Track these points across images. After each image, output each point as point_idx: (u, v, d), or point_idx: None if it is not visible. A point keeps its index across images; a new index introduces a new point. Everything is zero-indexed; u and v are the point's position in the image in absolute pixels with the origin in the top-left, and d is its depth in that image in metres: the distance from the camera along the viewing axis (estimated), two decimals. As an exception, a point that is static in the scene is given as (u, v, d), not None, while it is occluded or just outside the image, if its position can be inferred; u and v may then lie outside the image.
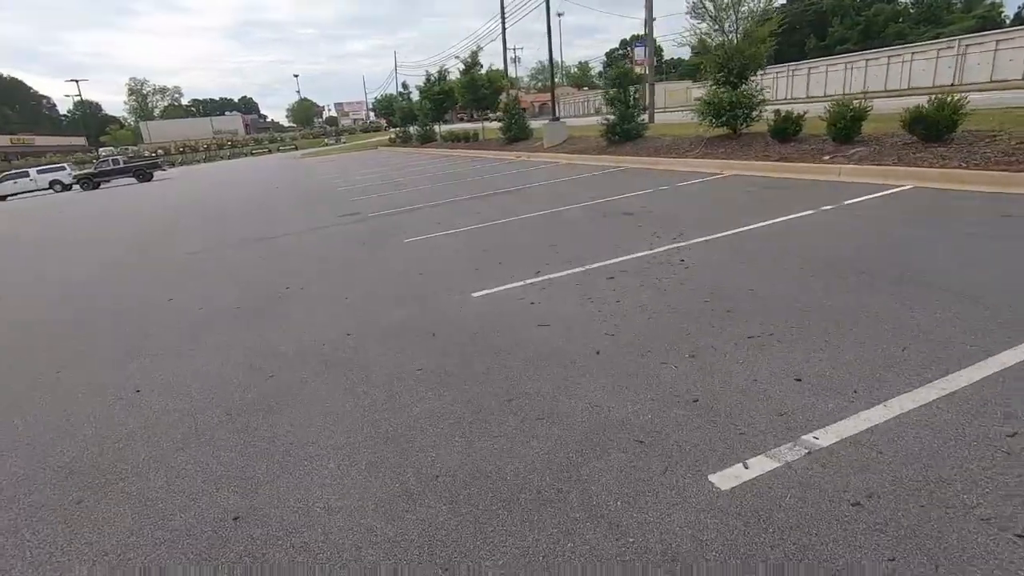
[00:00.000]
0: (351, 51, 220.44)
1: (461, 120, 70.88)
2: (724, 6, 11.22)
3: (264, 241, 9.16)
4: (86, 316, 5.93)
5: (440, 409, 3.07)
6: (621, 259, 5.48)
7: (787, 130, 10.10)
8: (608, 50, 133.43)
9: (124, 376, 4.07)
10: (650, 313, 4.05)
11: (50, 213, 21.72)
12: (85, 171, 35.35)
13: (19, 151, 76.41)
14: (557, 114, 18.53)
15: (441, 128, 35.04)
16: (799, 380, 2.91)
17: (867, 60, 39.29)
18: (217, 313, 5.38)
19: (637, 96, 14.99)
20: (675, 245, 5.73)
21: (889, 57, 37.46)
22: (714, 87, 11.79)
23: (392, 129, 47.05)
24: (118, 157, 37.81)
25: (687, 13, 11.77)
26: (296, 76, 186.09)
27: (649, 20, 19.49)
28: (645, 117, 15.32)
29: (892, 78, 36.15)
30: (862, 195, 6.90)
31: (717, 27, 11.43)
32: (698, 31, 11.67)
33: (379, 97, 47.34)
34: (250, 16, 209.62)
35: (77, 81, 64.80)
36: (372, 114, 75.68)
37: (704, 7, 11.41)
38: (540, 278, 5.19)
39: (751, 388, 2.89)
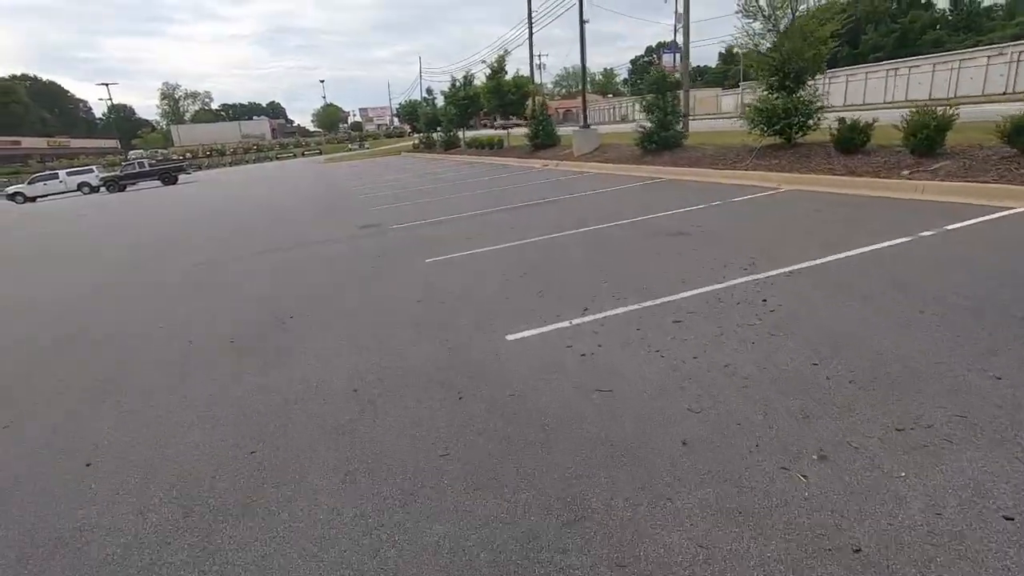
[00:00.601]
0: (376, 57, 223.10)
1: (485, 126, 70.61)
2: (780, 4, 10.20)
3: (275, 253, 8.43)
4: (55, 350, 5.20)
5: (469, 539, 2.17)
6: (686, 294, 4.53)
7: (854, 140, 9.02)
8: (633, 57, 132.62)
9: (74, 439, 3.27)
10: (742, 378, 3.10)
11: (67, 216, 21.55)
12: (111, 173, 35.55)
13: (55, 153, 78.54)
14: (587, 121, 17.64)
15: (465, 134, 34.44)
16: (1010, 519, 1.94)
17: (910, 68, 37.61)
18: (207, 349, 4.58)
19: (675, 103, 14.00)
20: (750, 278, 4.76)
21: (935, 64, 35.74)
22: (766, 92, 10.75)
23: (416, 135, 46.67)
24: (143, 160, 38.02)
25: (737, 12, 10.78)
26: (322, 82, 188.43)
27: (686, 22, 18.49)
28: (681, 125, 14.31)
29: (938, 86, 34.43)
30: (965, 219, 5.83)
31: (771, 26, 10.40)
32: (750, 31, 10.65)
33: (403, 103, 46.97)
34: (280, 23, 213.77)
35: (107, 84, 65.90)
36: (395, 119, 75.74)
37: (757, 5, 10.41)
38: (590, 317, 4.28)
39: (938, 528, 1.93)
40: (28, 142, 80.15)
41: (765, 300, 4.22)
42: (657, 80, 13.89)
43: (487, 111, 25.28)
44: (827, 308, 3.95)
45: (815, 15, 10.03)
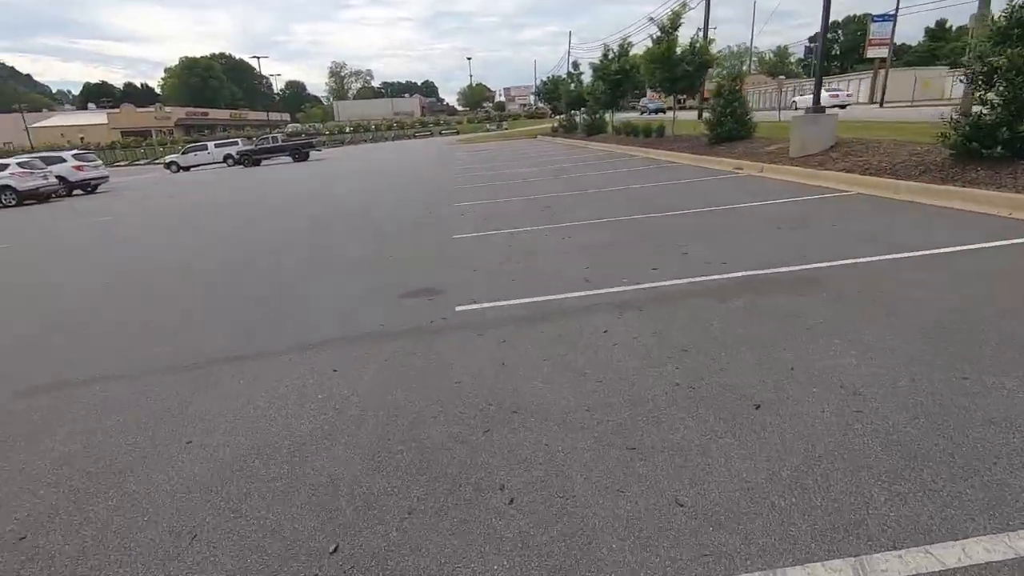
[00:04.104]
0: (526, 38, 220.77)
1: (633, 108, 62.84)
2: None
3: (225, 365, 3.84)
4: None
5: None
6: None
7: None
8: (812, 34, 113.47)
9: None
10: None
11: (154, 192, 19.78)
12: (247, 147, 35.34)
13: (236, 123, 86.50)
14: (819, 101, 10.89)
15: (614, 117, 28.42)
16: None
17: None
18: None
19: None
20: None
21: None
22: None
23: (556, 116, 41.36)
24: (277, 135, 37.54)
25: None
26: (469, 59, 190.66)
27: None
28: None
29: None
30: None
31: None
32: None
33: (545, 79, 41.69)
34: (441, 7, 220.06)
35: (257, 58, 69.29)
36: (535, 99, 70.94)
37: None
38: None
39: None
40: (214, 113, 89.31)
41: None
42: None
43: (650, 85, 19.05)
44: None
45: None
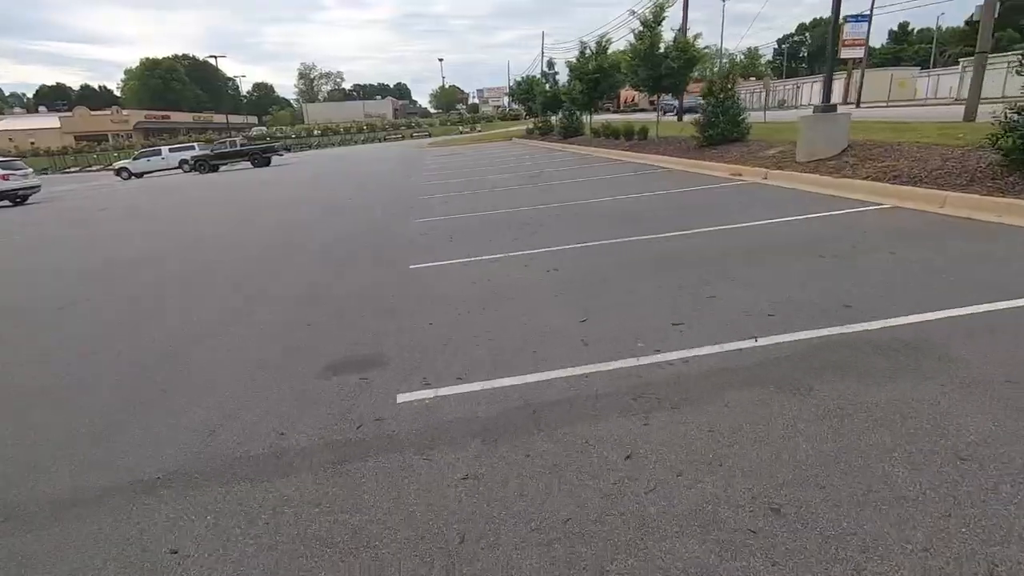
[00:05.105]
0: (499, 41, 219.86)
1: (607, 110, 61.70)
2: None
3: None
4: None
5: None
6: None
7: None
8: (782, 36, 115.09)
9: None
10: None
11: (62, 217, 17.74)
12: (202, 152, 33.05)
13: (199, 127, 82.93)
14: (829, 98, 9.66)
15: (591, 119, 27.17)
16: None
17: None
18: None
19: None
20: None
21: None
22: None
23: (531, 118, 40.03)
24: (235, 140, 35.29)
25: None
26: (440, 60, 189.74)
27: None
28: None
29: None
30: None
31: None
32: None
33: (519, 79, 40.26)
34: (413, 9, 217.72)
35: (215, 57, 66.56)
36: (508, 99, 69.43)
37: None
38: None
39: None
40: (177, 116, 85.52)
41: None
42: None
43: (632, 84, 17.76)
44: None
45: None
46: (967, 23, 75.35)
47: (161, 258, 8.26)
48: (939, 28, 72.76)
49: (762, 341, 3.40)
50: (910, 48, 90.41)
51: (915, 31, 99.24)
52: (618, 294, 4.56)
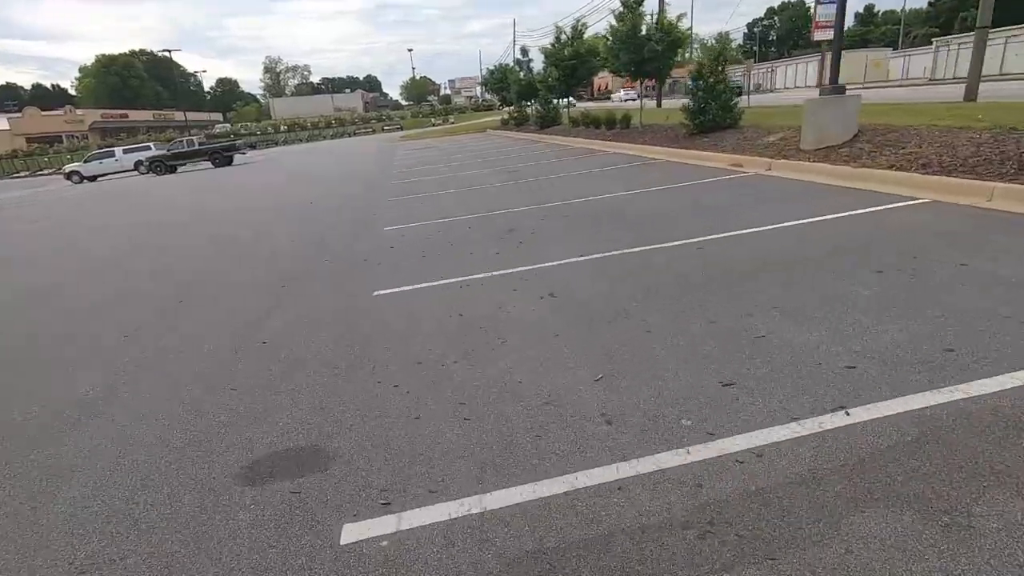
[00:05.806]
0: (471, 31, 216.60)
1: (581, 98, 60.46)
2: None
3: None
4: None
5: None
6: None
7: None
8: (752, 20, 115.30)
9: None
10: None
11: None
12: (158, 153, 31.08)
13: (161, 125, 79.40)
14: (837, 79, 8.76)
15: (569, 108, 26.13)
16: None
17: None
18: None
19: None
20: None
21: None
22: None
23: (505, 108, 38.78)
24: (193, 138, 33.32)
25: None
26: (410, 51, 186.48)
27: None
28: None
29: None
30: None
31: None
32: None
33: (492, 68, 38.88)
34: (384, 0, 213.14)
35: (168, 51, 64.07)
36: (481, 89, 67.81)
37: None
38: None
39: None
40: (135, 114, 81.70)
41: None
42: None
43: (613, 70, 16.72)
44: None
45: None
46: (930, 3, 76.09)
47: (59, 285, 6.99)
48: (904, 10, 73.32)
49: (856, 414, 2.43)
50: (876, 30, 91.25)
51: (880, 13, 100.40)
52: (635, 332, 3.56)
